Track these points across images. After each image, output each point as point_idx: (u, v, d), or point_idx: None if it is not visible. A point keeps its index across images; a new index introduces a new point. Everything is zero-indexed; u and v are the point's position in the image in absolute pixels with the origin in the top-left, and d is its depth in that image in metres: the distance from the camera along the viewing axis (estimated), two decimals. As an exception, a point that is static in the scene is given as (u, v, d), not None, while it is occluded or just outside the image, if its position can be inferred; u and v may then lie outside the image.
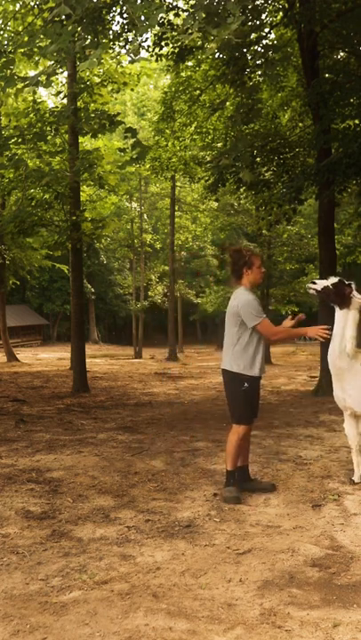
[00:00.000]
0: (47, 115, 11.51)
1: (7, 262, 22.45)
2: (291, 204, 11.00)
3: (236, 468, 4.60)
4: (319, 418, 8.35)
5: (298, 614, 2.79)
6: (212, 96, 13.65)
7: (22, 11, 10.99)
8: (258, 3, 10.46)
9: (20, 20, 11.04)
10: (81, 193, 13.95)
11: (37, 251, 20.96)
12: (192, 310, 46.18)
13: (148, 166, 17.47)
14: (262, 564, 3.36)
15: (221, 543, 3.67)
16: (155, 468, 5.52)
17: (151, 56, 11.05)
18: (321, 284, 4.68)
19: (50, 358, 28.63)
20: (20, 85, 7.87)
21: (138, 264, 36.47)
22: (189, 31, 5.06)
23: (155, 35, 10.72)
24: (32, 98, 13.08)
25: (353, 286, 4.59)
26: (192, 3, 10.20)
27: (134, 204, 34.42)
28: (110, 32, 9.84)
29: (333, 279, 4.66)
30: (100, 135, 10.69)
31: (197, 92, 13.76)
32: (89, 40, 7.60)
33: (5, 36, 11.11)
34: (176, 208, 30.58)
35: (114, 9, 8.88)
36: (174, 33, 10.18)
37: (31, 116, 11.89)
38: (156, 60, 11.26)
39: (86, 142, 16.85)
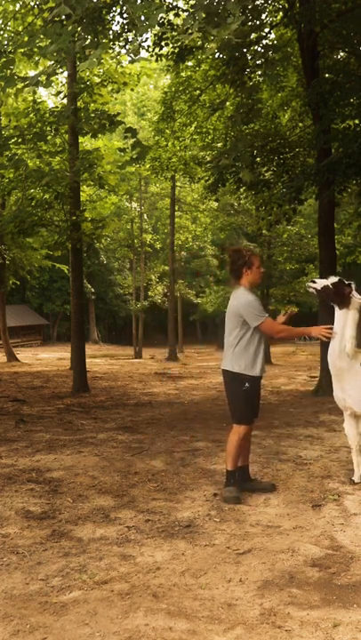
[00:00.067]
0: (47, 115, 11.51)
1: (7, 262, 22.45)
2: (291, 204, 11.00)
3: (237, 468, 4.60)
4: (319, 418, 8.35)
5: (298, 614, 2.79)
6: (212, 96, 13.65)
7: (22, 11, 10.99)
8: (258, 3, 10.45)
9: (20, 19, 11.04)
10: (81, 193, 13.95)
11: (37, 251, 20.96)
12: (192, 310, 46.18)
13: (148, 166, 17.47)
14: (262, 563, 3.36)
15: (221, 543, 3.67)
16: (155, 467, 5.52)
17: (151, 56, 11.05)
18: (321, 283, 4.69)
19: (50, 358, 28.63)
20: (20, 85, 7.87)
21: (138, 264, 36.47)
22: (189, 31, 5.05)
23: (155, 35, 10.72)
24: (32, 98, 13.08)
25: (353, 286, 4.59)
26: (192, 3, 10.20)
27: (134, 204, 34.42)
28: (110, 32, 9.83)
29: (333, 279, 4.66)
30: (100, 135, 10.69)
31: (197, 92, 13.76)
32: (89, 40, 7.60)
33: (5, 36, 11.11)
34: (176, 208, 30.58)
35: (114, 9, 8.87)
36: (174, 33, 10.18)
37: (31, 116, 11.89)
38: (156, 60, 11.26)
39: (86, 142, 16.85)
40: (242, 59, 10.48)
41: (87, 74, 13.27)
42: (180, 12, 10.46)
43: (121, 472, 5.36)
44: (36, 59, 9.79)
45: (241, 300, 4.49)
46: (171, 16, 10.46)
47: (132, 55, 5.47)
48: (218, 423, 7.97)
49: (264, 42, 11.25)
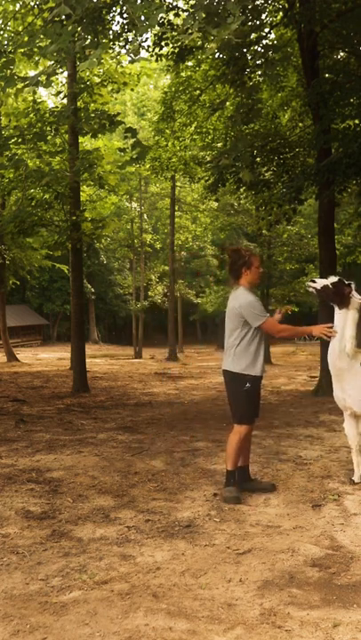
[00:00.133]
0: (47, 115, 11.50)
1: (7, 262, 22.45)
2: (291, 204, 11.00)
3: (237, 468, 4.60)
4: (319, 418, 8.35)
5: (298, 614, 2.79)
6: (212, 96, 13.65)
7: (22, 11, 10.99)
8: (258, 3, 10.45)
9: (20, 20, 11.04)
10: (81, 193, 13.95)
11: (37, 251, 20.96)
12: (192, 310, 46.19)
13: (148, 166, 17.46)
14: (262, 564, 3.36)
15: (221, 543, 3.67)
16: (155, 467, 5.52)
17: (151, 56, 11.05)
18: (321, 282, 4.69)
19: (50, 358, 28.63)
20: (20, 85, 7.87)
21: (138, 264, 36.47)
22: (189, 31, 5.05)
23: (155, 35, 10.72)
24: (32, 98, 13.08)
25: (352, 286, 4.60)
26: (192, 3, 10.20)
27: (134, 204, 34.42)
28: (110, 32, 9.83)
29: (333, 278, 4.66)
30: (100, 135, 10.68)
31: (197, 92, 13.76)
32: (89, 40, 7.60)
33: (5, 35, 11.11)
34: (176, 208, 30.58)
35: (114, 9, 8.87)
36: (174, 33, 10.18)
37: (31, 116, 11.89)
38: (156, 60, 11.26)
39: (86, 142, 16.85)
40: (242, 59, 10.48)
41: (87, 74, 13.27)
42: (180, 12, 10.46)
43: (121, 472, 5.36)
44: (36, 59, 9.79)
45: (241, 300, 4.49)
46: (171, 16, 10.46)
47: (132, 55, 5.47)
48: (218, 423, 7.97)
49: (264, 42, 11.25)
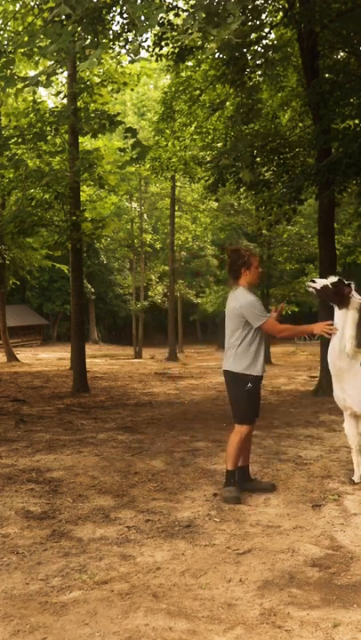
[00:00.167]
0: (47, 115, 11.50)
1: (7, 262, 22.45)
2: (291, 204, 11.00)
3: (237, 467, 4.60)
4: (319, 418, 8.35)
5: (298, 614, 2.79)
6: (212, 96, 13.65)
7: (22, 11, 10.99)
8: (258, 3, 10.45)
9: (20, 19, 11.04)
10: (81, 193, 13.95)
11: (37, 251, 20.96)
12: (192, 310, 46.18)
13: (148, 166, 17.46)
14: (262, 564, 3.36)
15: (221, 543, 3.67)
16: (155, 467, 5.52)
17: (151, 56, 11.05)
18: (320, 282, 4.69)
19: (50, 358, 28.63)
20: (20, 85, 7.87)
21: (138, 264, 36.47)
22: (189, 31, 5.05)
23: (155, 35, 10.72)
24: (32, 98, 13.08)
25: (352, 286, 4.59)
26: (192, 3, 10.20)
27: (134, 204, 34.42)
28: (110, 32, 9.83)
29: (333, 278, 4.66)
30: (100, 135, 10.68)
31: (197, 92, 13.75)
32: (89, 40, 7.60)
33: (5, 36, 11.11)
34: (176, 208, 30.58)
35: (114, 9, 8.87)
36: (174, 33, 10.18)
37: (31, 116, 11.89)
38: (156, 60, 11.26)
39: (86, 142, 16.85)
40: (242, 59, 10.48)
41: (87, 74, 13.27)
42: (180, 12, 10.46)
43: (121, 472, 5.36)
44: (36, 59, 9.79)
45: (242, 300, 4.49)
46: (171, 16, 10.46)
47: (132, 55, 5.47)
48: (218, 423, 7.98)
49: (264, 42, 11.25)
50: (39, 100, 13.08)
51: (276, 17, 11.70)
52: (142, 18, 5.53)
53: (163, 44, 10.72)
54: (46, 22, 7.69)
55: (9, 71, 6.96)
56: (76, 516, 4.18)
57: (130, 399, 11.34)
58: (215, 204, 27.61)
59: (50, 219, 13.74)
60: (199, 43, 10.27)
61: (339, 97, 10.02)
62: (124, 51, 11.59)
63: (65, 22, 6.33)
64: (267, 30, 11.59)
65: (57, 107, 12.95)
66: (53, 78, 10.84)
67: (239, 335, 4.50)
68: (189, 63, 13.39)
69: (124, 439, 6.92)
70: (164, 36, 10.58)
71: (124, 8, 8.42)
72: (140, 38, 8.66)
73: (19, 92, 9.71)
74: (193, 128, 14.98)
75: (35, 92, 13.40)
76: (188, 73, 14.03)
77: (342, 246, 20.70)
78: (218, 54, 11.05)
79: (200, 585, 3.11)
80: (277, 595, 2.99)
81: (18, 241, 17.82)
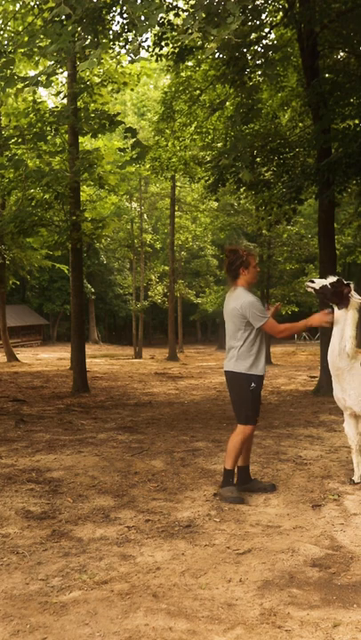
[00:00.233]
0: (47, 115, 11.50)
1: (7, 262, 22.45)
2: (291, 204, 11.01)
3: (235, 467, 4.60)
4: (319, 418, 8.35)
5: (298, 614, 2.79)
6: (212, 96, 13.65)
7: (22, 11, 10.98)
8: (258, 3, 10.46)
9: (20, 19, 11.04)
10: (81, 193, 13.96)
11: (37, 251, 20.97)
12: (192, 310, 46.21)
13: (148, 166, 17.46)
14: (262, 564, 3.36)
15: (221, 543, 3.67)
16: (155, 467, 5.52)
17: (151, 56, 11.05)
18: (319, 283, 4.68)
19: (50, 358, 28.63)
20: (20, 85, 7.86)
21: (138, 264, 36.48)
22: (189, 31, 5.05)
23: (155, 35, 10.72)
24: (32, 98, 13.07)
25: (351, 286, 4.59)
26: (192, 3, 10.19)
27: (134, 204, 34.43)
28: (110, 32, 9.83)
29: (332, 278, 4.65)
30: (100, 135, 10.68)
31: (197, 91, 13.76)
32: (89, 40, 7.60)
33: (5, 36, 11.11)
34: (176, 208, 30.60)
35: (114, 9, 8.86)
36: (174, 33, 10.18)
37: (31, 116, 11.89)
38: (156, 60, 11.26)
39: (86, 142, 16.86)
40: (242, 59, 10.49)
41: (87, 74, 13.26)
42: (180, 12, 10.46)
43: (121, 472, 5.36)
44: (36, 59, 9.80)
45: (242, 300, 4.49)
46: (171, 16, 10.46)
47: (132, 55, 5.48)
48: (218, 423, 7.98)
49: (264, 42, 11.26)
50: (39, 100, 13.08)
51: (276, 17, 11.71)
52: (142, 18, 5.53)
53: (163, 44, 10.72)
54: (46, 22, 7.69)
55: (9, 71, 6.96)
56: (76, 516, 4.18)
57: (130, 399, 11.34)
58: (215, 204, 27.63)
59: (50, 219, 13.74)
60: (199, 43, 10.27)
61: (339, 97, 10.04)
62: (124, 51, 11.59)
63: (65, 22, 6.33)
64: (267, 30, 11.60)
65: (57, 107, 12.95)
66: (53, 78, 10.85)
67: (241, 336, 4.50)
68: (189, 63, 13.40)
69: (124, 439, 6.92)
70: (164, 36, 10.58)
71: (124, 8, 8.42)
72: (140, 38, 8.63)
73: (19, 92, 9.66)
74: (193, 128, 14.98)
75: (35, 92, 13.38)
76: (188, 73, 14.04)
77: (342, 246, 20.73)
78: (218, 54, 11.05)
79: (200, 585, 3.11)
80: (277, 595, 2.99)
81: (18, 241, 17.82)
